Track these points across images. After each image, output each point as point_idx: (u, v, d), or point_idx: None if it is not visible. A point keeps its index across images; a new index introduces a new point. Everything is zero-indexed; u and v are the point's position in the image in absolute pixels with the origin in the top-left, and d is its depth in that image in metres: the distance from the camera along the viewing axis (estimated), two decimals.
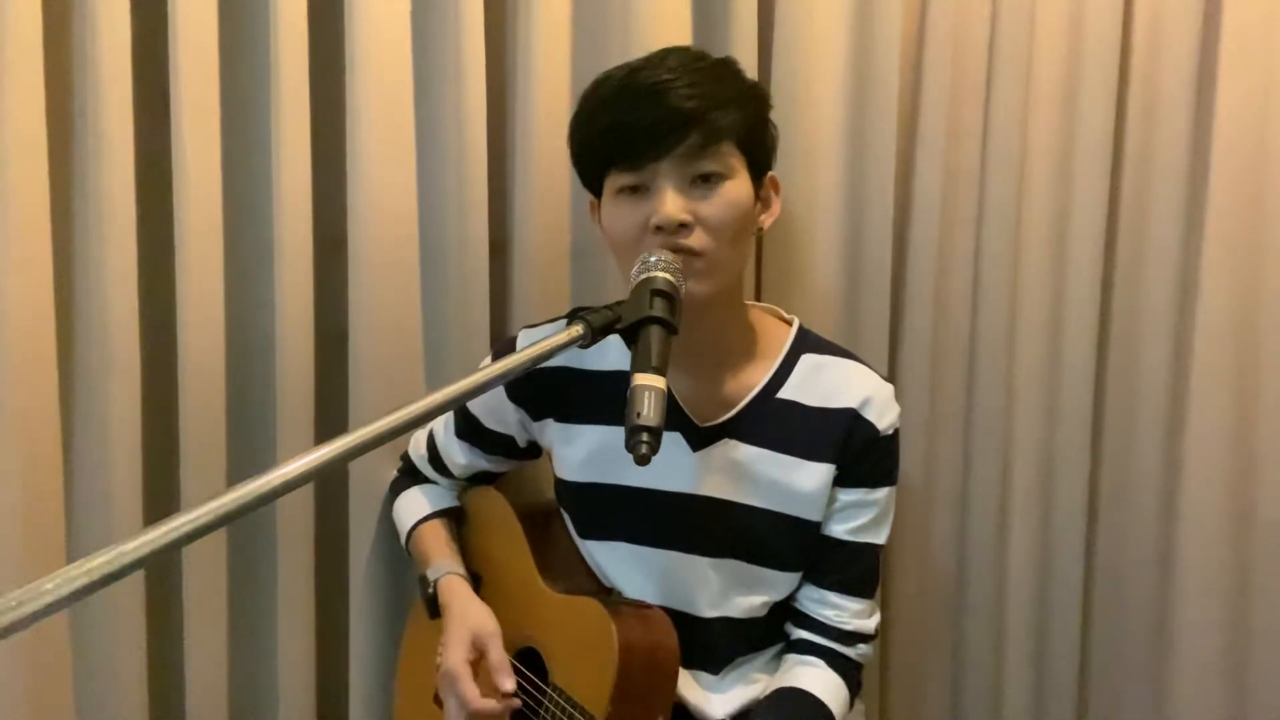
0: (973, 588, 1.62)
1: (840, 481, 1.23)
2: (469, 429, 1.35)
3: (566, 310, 1.34)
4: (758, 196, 1.18)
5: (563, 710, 1.18)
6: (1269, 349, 1.52)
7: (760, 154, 1.18)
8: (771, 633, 1.30)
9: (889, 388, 1.26)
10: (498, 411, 1.31)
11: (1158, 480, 1.57)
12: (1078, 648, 1.63)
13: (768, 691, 1.24)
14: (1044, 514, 1.60)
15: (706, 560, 1.24)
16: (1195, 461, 1.53)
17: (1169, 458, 1.56)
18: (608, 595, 1.25)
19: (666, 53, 1.17)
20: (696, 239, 1.11)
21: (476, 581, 1.32)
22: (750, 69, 1.44)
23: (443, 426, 1.38)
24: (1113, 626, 1.63)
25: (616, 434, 1.19)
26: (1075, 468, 1.59)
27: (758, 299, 1.49)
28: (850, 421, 1.22)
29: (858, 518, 1.24)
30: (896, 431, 1.26)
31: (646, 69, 1.14)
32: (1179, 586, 1.56)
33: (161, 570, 1.40)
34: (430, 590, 1.28)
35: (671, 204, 1.10)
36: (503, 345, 1.33)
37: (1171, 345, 1.54)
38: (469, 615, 1.23)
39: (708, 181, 1.12)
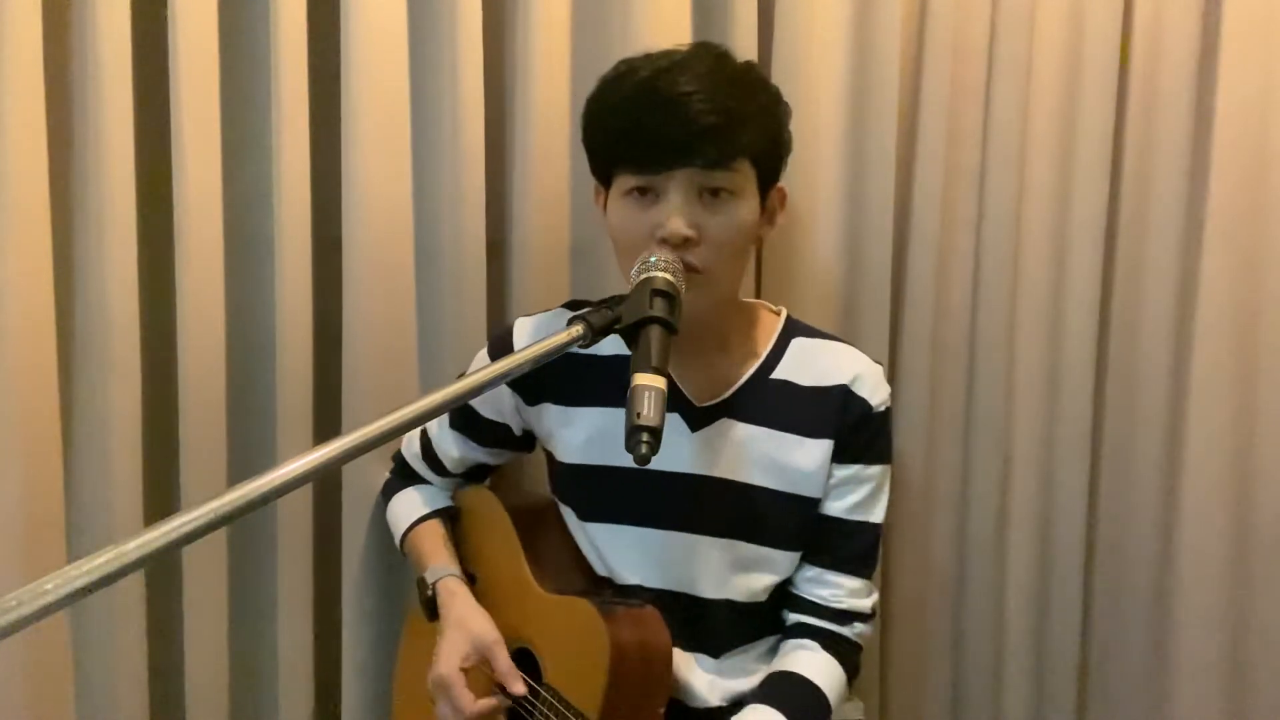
0: (973, 587, 1.62)
1: (836, 457, 1.24)
2: (463, 419, 1.34)
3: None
4: (763, 209, 1.19)
5: (556, 711, 1.18)
6: (1269, 349, 1.52)
7: (772, 169, 1.19)
8: (773, 621, 1.30)
9: (878, 367, 1.28)
10: (493, 398, 1.31)
11: (1158, 480, 1.57)
12: (1078, 648, 1.63)
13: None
14: (1044, 514, 1.60)
15: (708, 540, 1.24)
16: (1195, 461, 1.54)
17: (1169, 458, 1.56)
18: (600, 594, 1.25)
19: (690, 57, 1.15)
20: (698, 255, 1.12)
21: (471, 581, 1.32)
22: None
23: (435, 419, 1.37)
24: (1113, 626, 1.63)
25: (616, 416, 1.19)
26: (1075, 468, 1.59)
27: (758, 298, 1.49)
28: (844, 397, 1.23)
29: (853, 494, 1.25)
30: (889, 410, 1.27)
31: (670, 74, 1.12)
32: (1179, 586, 1.56)
33: (161, 570, 1.40)
34: (429, 593, 1.28)
35: (679, 219, 1.11)
36: (499, 334, 1.33)
37: (1171, 345, 1.55)
38: (469, 622, 1.23)
39: (716, 196, 1.13)
